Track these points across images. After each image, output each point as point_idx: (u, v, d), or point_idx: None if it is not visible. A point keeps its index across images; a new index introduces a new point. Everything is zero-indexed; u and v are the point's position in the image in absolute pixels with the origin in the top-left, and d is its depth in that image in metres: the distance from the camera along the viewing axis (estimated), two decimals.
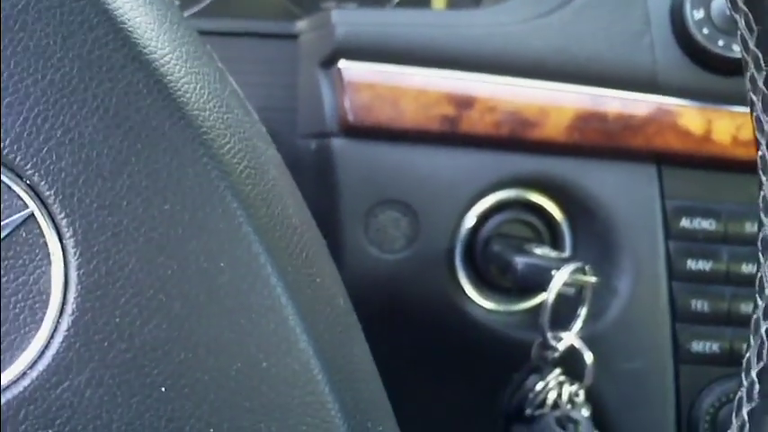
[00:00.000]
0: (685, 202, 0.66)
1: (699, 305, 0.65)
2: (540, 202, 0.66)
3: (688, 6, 0.63)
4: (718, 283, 0.65)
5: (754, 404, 0.40)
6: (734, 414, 0.40)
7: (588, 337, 0.64)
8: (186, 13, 0.73)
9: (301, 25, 0.71)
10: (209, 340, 0.37)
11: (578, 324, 0.62)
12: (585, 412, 0.62)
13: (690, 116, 0.64)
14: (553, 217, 0.67)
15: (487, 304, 0.66)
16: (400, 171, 0.64)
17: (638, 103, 0.64)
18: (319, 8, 0.73)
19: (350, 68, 0.64)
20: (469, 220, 0.65)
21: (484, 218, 0.66)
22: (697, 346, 0.66)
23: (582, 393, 0.62)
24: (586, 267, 0.62)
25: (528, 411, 0.62)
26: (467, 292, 0.66)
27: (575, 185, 0.65)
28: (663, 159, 0.65)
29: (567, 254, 0.66)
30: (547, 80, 0.64)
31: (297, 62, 0.71)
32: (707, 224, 0.65)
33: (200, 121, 0.38)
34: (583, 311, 0.62)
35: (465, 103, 0.63)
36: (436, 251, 0.64)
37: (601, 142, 0.64)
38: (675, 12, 0.64)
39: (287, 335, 0.39)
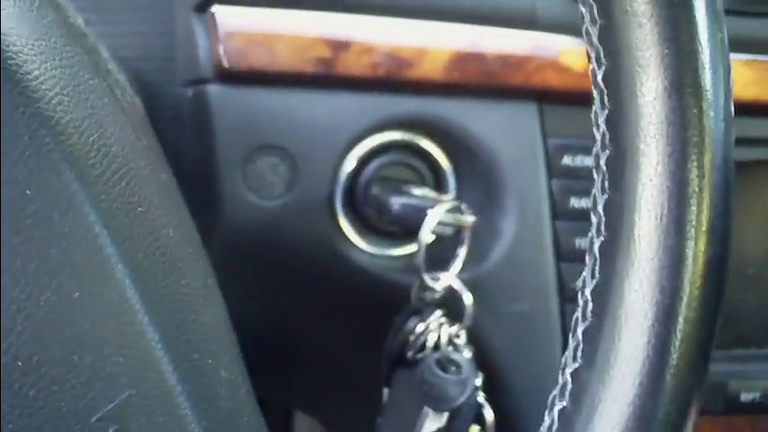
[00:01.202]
0: (567, 140, 0.65)
1: (583, 243, 0.65)
2: (422, 145, 0.65)
3: None
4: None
5: (587, 323, 0.39)
6: (570, 334, 0.40)
7: (473, 279, 0.64)
8: None
9: None
10: (14, 270, 0.36)
11: (457, 264, 0.61)
12: (467, 353, 0.61)
13: (569, 53, 0.63)
14: (436, 159, 0.66)
15: (370, 249, 0.65)
16: (277, 116, 0.63)
17: (517, 41, 0.64)
18: None
19: (223, 13, 0.62)
20: (349, 163, 0.64)
21: (365, 161, 0.65)
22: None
23: (463, 334, 0.62)
24: (463, 206, 0.61)
25: (409, 354, 0.61)
26: (348, 236, 0.65)
27: (456, 126, 0.64)
28: (543, 97, 0.65)
29: (450, 195, 0.65)
30: (424, 19, 0.63)
31: (174, 9, 0.69)
32: (589, 161, 0.64)
33: (5, 46, 0.37)
34: (462, 251, 0.61)
35: (340, 45, 0.62)
36: (316, 196, 0.63)
37: (480, 81, 0.63)
38: None
39: (102, 264, 0.37)
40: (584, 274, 0.39)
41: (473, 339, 0.63)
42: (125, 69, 0.66)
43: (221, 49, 0.62)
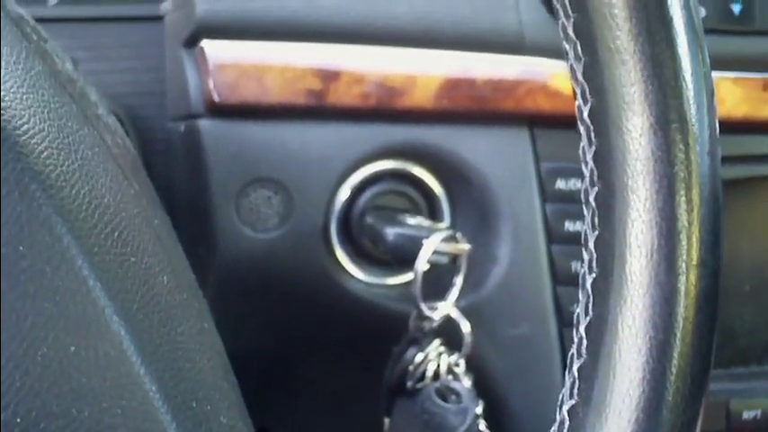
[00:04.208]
0: (560, 164, 0.65)
1: (579, 267, 0.65)
2: (415, 173, 0.65)
3: None
4: None
5: (582, 360, 0.39)
6: (566, 371, 0.40)
7: (470, 306, 0.64)
8: (53, 1, 0.71)
9: (165, 6, 0.70)
10: (10, 326, 0.36)
11: (454, 293, 0.61)
12: (467, 382, 0.61)
13: (559, 76, 0.64)
14: (429, 187, 0.66)
15: (367, 278, 0.65)
16: (270, 149, 0.63)
17: (507, 66, 0.64)
18: None
19: (212, 47, 0.63)
20: (343, 193, 0.64)
21: (359, 191, 0.65)
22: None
23: (462, 363, 0.62)
24: (458, 235, 0.61)
25: (409, 384, 0.61)
26: (345, 266, 0.65)
27: (448, 153, 0.64)
28: (535, 121, 0.65)
29: (444, 224, 0.65)
30: (413, 47, 0.63)
31: (164, 44, 0.69)
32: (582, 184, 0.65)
33: None
34: (458, 280, 0.61)
35: (331, 75, 0.62)
36: (311, 227, 0.63)
37: (471, 107, 0.63)
38: None
39: (96, 317, 0.37)
40: (578, 310, 0.39)
41: (472, 366, 0.63)
42: (116, 105, 0.66)
43: (211, 84, 0.62)
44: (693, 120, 0.36)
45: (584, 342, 0.38)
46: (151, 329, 0.39)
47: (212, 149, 0.62)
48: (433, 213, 0.66)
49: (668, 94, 0.36)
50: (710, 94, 0.37)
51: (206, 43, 0.63)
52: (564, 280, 0.65)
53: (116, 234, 0.39)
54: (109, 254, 0.39)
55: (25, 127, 0.38)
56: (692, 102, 0.36)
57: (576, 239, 0.65)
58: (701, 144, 0.36)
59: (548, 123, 0.64)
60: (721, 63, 0.63)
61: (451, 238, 0.60)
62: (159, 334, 0.40)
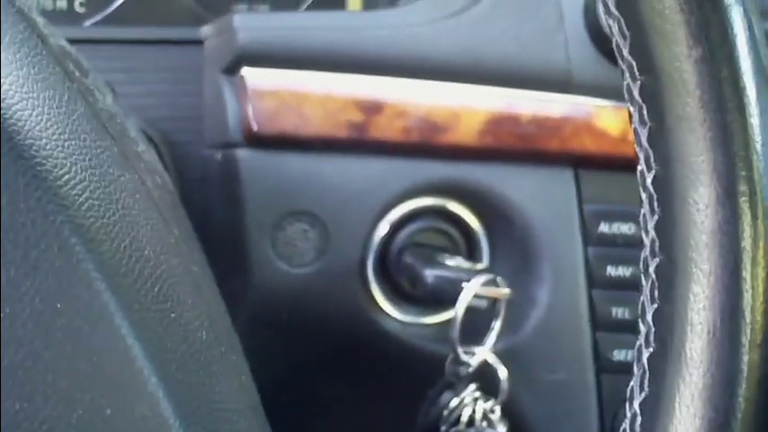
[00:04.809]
0: (603, 206, 0.63)
1: (620, 312, 0.63)
2: (455, 210, 0.64)
3: (601, 2, 0.60)
4: (639, 290, 0.63)
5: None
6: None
7: (508, 349, 0.62)
8: (89, 22, 0.70)
9: (206, 30, 0.68)
10: (45, 387, 0.35)
11: (492, 338, 0.60)
12: (501, 429, 0.60)
13: (606, 116, 0.62)
14: (469, 225, 0.64)
15: (402, 317, 0.64)
16: (308, 181, 0.61)
17: (553, 104, 0.62)
18: (230, 12, 0.70)
19: (253, 75, 0.61)
20: (382, 229, 0.63)
21: (397, 227, 0.63)
22: (619, 355, 0.63)
23: (498, 410, 0.60)
24: (498, 279, 0.59)
25: (443, 429, 0.60)
26: (380, 304, 0.63)
27: (490, 192, 0.63)
28: (579, 162, 0.63)
29: (483, 264, 0.64)
30: (458, 82, 0.62)
31: (202, 69, 0.68)
32: (626, 228, 0.63)
33: (34, 150, 0.36)
34: (496, 325, 0.60)
35: (373, 108, 0.61)
36: (348, 263, 0.62)
37: (515, 146, 0.62)
38: (588, 8, 0.62)
39: (133, 378, 0.36)
40: (632, 384, 0.38)
41: (507, 411, 0.61)
42: (152, 130, 0.65)
43: (250, 112, 0.61)
44: (763, 192, 0.35)
45: (639, 419, 0.37)
46: (190, 390, 0.38)
47: (249, 180, 0.61)
48: (472, 252, 0.65)
49: (737, 164, 0.35)
50: None
51: (246, 71, 0.62)
52: (604, 326, 0.63)
53: (156, 289, 0.38)
54: (149, 311, 0.37)
55: (66, 177, 0.37)
56: (761, 173, 0.35)
57: (617, 284, 0.64)
58: None
59: (592, 164, 0.63)
60: None
61: (492, 282, 0.59)
62: (198, 394, 0.38)
